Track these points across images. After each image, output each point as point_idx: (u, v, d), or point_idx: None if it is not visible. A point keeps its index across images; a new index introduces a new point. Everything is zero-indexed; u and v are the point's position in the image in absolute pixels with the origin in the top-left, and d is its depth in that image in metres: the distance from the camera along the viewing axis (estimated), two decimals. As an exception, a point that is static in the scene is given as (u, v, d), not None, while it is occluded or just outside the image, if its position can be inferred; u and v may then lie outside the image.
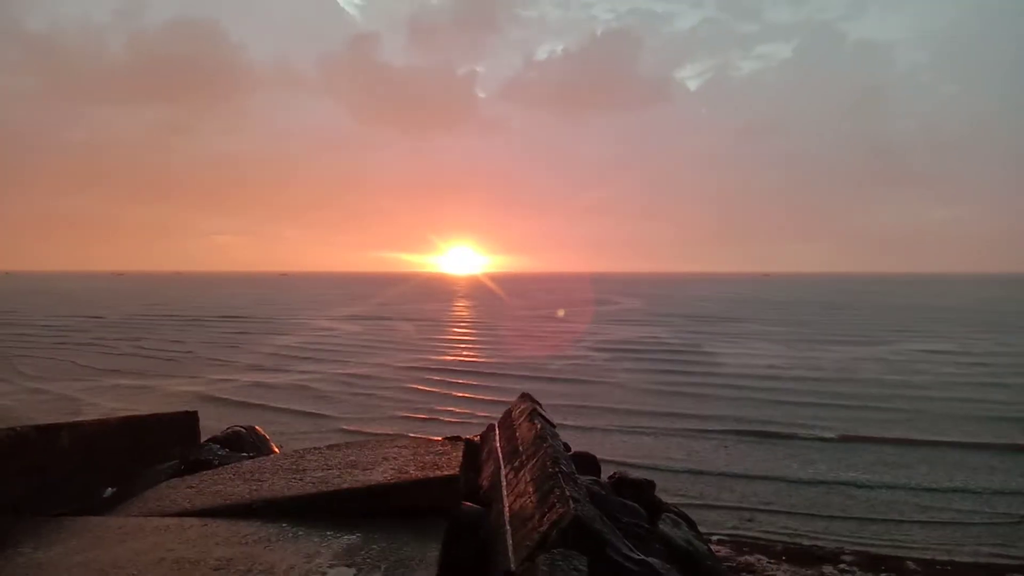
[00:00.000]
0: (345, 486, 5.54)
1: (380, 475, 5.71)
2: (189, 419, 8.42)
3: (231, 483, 5.93)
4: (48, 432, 6.01)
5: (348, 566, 4.27)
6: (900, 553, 12.79)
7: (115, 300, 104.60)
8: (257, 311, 79.74)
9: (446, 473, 5.65)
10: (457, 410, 25.19)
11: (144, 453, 7.40)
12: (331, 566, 4.28)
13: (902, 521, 14.60)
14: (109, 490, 6.57)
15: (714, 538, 13.17)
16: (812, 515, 14.95)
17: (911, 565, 12.15)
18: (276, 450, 9.12)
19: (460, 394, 28.19)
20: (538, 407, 7.96)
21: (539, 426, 6.94)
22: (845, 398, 27.42)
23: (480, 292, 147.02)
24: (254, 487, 5.74)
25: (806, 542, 13.47)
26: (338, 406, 25.45)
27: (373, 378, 31.42)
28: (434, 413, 24.63)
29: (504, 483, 6.29)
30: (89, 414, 22.99)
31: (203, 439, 8.84)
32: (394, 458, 6.15)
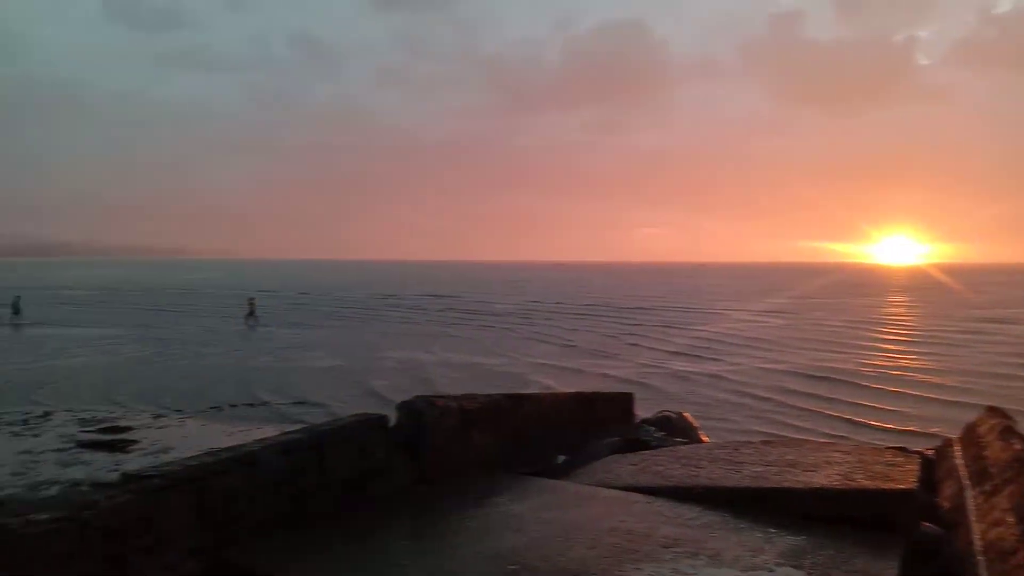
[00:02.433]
0: (786, 485, 5.37)
1: (824, 479, 5.42)
2: (626, 399, 8.99)
3: (670, 465, 6.17)
4: (515, 400, 6.91)
5: (795, 568, 4.13)
6: None
7: (555, 288, 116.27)
8: (675, 301, 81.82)
9: (901, 487, 5.14)
10: (894, 424, 22.63)
11: (588, 426, 8.11)
12: (777, 564, 4.18)
13: None
14: (561, 457, 7.33)
15: None
16: None
17: None
18: (704, 439, 9.27)
19: (895, 407, 25.19)
20: (1012, 423, 6.80)
21: (1018, 447, 5.92)
22: None
23: (924, 285, 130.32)
24: (692, 472, 5.89)
25: None
26: (754, 402, 24.88)
27: (795, 375, 30.06)
28: (881, 418, 22.46)
29: (971, 507, 5.49)
30: (530, 387, 26.00)
31: (637, 419, 9.37)
32: (838, 463, 5.78)
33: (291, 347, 35.42)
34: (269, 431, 16.98)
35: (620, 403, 8.53)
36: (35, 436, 16.52)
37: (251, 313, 46.02)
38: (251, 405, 21.07)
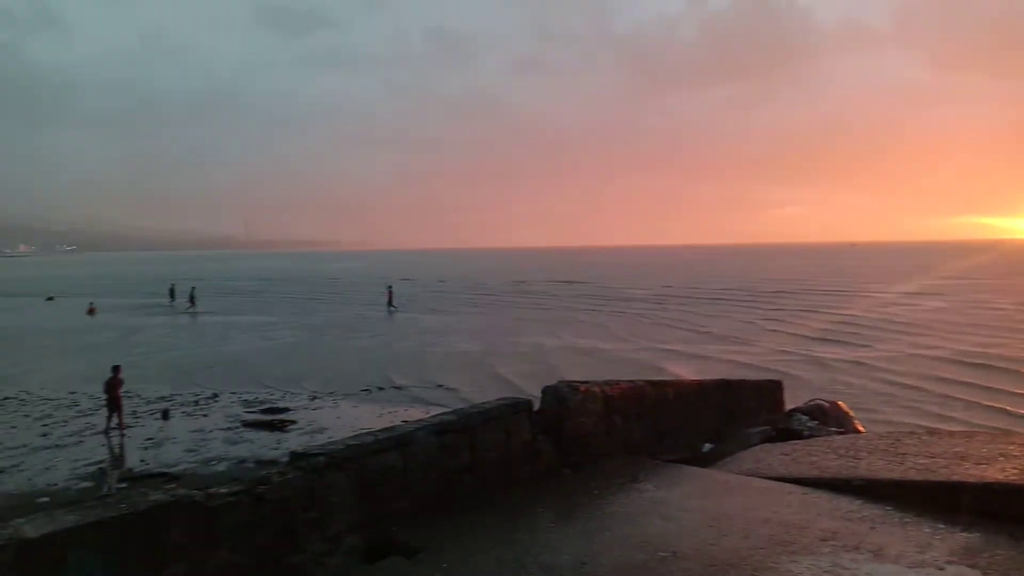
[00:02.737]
0: (956, 478, 5.03)
1: (999, 473, 5.03)
2: (774, 387, 8.68)
3: (825, 456, 5.92)
4: (659, 386, 6.83)
5: (970, 567, 3.86)
6: None
7: (689, 272, 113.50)
8: (820, 283, 77.69)
9: (1092, 484, 4.69)
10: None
11: (734, 414, 7.90)
12: (948, 562, 3.93)
13: None
14: (707, 445, 7.19)
15: None
16: None
17: None
18: (860, 428, 8.80)
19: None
20: None
21: None
22: None
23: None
24: (850, 464, 5.62)
25: None
26: (905, 392, 23.23)
27: (951, 362, 27.82)
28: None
29: None
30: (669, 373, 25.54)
31: (786, 408, 9.02)
32: (1016, 456, 5.34)
33: (429, 332, 36.61)
34: (415, 412, 17.69)
35: (768, 391, 8.25)
36: (205, 416, 17.98)
37: (389, 301, 48.06)
38: (398, 388, 21.96)
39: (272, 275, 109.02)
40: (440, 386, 22.67)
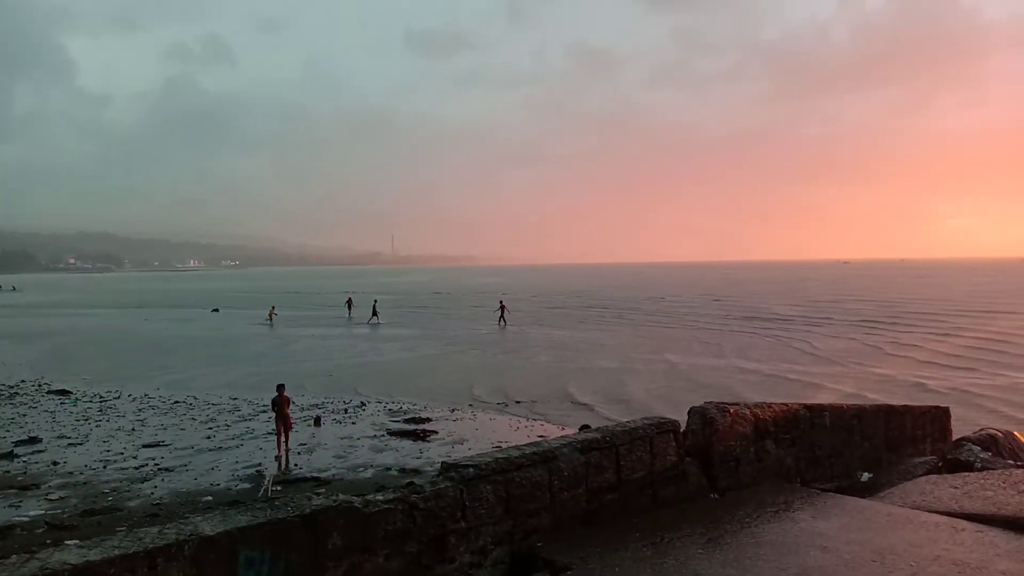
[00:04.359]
0: None
1: None
2: (940, 415, 8.06)
3: (1002, 491, 5.43)
4: (814, 411, 6.51)
5: None
6: None
7: (843, 288, 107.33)
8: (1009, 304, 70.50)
9: None
10: None
11: (895, 443, 7.40)
12: None
13: None
14: (866, 475, 6.77)
15: None
16: None
17: None
18: (1041, 462, 8.00)
19: None
20: None
21: None
22: None
23: None
24: (1033, 502, 5.13)
25: None
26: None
27: None
28: None
29: None
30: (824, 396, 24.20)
31: (954, 437, 8.35)
32: None
33: (564, 347, 36.62)
34: (551, 428, 17.71)
35: (933, 418, 7.68)
36: (353, 423, 18.82)
37: (502, 316, 49.35)
38: (533, 402, 22.12)
39: (415, 290, 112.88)
40: (575, 402, 22.63)
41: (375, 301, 55.63)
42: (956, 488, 5.65)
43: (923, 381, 26.94)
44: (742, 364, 31.35)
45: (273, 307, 56.35)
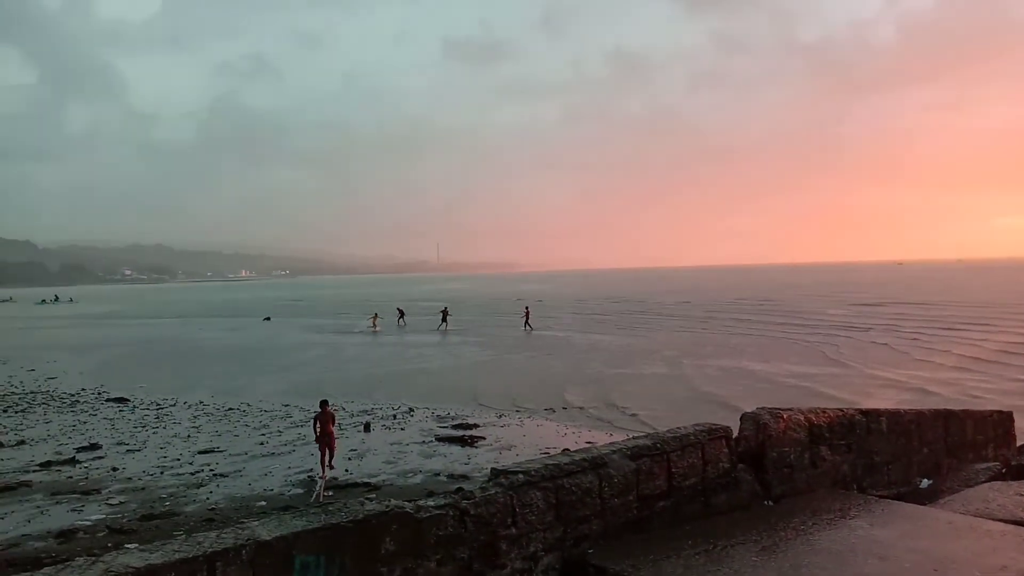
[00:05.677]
0: None
1: None
2: (1004, 420, 7.81)
3: (1072, 500, 5.24)
4: (870, 416, 6.36)
5: None
6: None
7: (887, 290, 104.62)
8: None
9: None
10: None
11: (956, 448, 7.18)
12: None
13: None
14: (925, 481, 6.59)
15: None
16: None
17: None
18: (1112, 469, 7.69)
19: None
20: None
21: None
22: None
23: None
24: (1105, 510, 4.93)
25: None
26: None
27: None
28: None
29: None
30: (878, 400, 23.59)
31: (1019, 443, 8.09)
32: None
33: (611, 352, 36.40)
34: (599, 434, 17.62)
35: (996, 423, 7.45)
36: (402, 429, 19.00)
37: (527, 321, 49.79)
38: (580, 408, 22.03)
39: (461, 297, 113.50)
40: (621, 408, 22.47)
41: (444, 308, 55.78)
42: (1021, 495, 5.47)
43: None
44: (787, 367, 30.75)
45: (376, 314, 56.62)
